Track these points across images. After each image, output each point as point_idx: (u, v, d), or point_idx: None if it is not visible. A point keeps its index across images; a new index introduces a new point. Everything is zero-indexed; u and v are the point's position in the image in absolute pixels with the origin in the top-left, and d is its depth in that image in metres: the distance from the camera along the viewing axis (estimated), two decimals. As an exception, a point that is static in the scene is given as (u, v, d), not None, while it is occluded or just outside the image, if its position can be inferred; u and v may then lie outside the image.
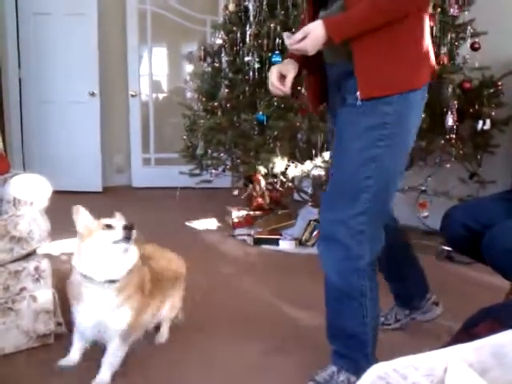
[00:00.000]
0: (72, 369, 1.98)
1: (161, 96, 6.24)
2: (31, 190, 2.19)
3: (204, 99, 3.73)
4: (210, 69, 3.86)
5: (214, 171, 3.85)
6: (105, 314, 1.85)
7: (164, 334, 2.25)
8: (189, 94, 5.65)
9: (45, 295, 2.14)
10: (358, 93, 1.62)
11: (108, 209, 1.99)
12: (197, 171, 3.97)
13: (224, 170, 3.93)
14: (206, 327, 2.37)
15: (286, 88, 1.78)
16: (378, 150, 1.64)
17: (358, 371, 1.77)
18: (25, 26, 5.49)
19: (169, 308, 2.20)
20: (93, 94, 5.51)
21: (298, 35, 1.60)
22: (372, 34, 1.58)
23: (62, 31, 5.43)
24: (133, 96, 5.86)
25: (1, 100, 5.08)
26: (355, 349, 1.79)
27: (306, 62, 1.80)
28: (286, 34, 1.68)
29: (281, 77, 1.80)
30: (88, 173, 5.54)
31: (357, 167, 1.65)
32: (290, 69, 1.79)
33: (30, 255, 2.15)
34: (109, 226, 1.79)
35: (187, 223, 4.31)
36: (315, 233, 3.58)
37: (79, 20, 5.37)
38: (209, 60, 3.94)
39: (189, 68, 6.21)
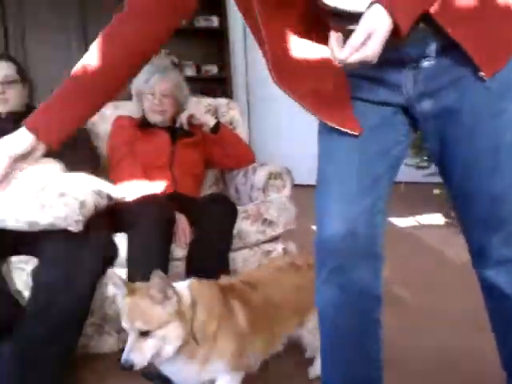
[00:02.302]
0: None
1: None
2: (278, 179, 2.38)
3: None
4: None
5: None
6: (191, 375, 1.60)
7: (317, 368, 1.89)
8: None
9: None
10: (482, 73, 1.10)
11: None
12: (424, 164, 3.88)
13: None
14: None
15: None
16: None
17: None
18: (251, 39, 5.94)
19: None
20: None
21: (358, 38, 0.97)
22: None
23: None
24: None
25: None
26: None
27: None
28: (332, 39, 0.99)
29: None
30: (312, 167, 5.73)
31: None
32: None
33: (278, 238, 2.33)
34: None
35: (411, 217, 4.23)
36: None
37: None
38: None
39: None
